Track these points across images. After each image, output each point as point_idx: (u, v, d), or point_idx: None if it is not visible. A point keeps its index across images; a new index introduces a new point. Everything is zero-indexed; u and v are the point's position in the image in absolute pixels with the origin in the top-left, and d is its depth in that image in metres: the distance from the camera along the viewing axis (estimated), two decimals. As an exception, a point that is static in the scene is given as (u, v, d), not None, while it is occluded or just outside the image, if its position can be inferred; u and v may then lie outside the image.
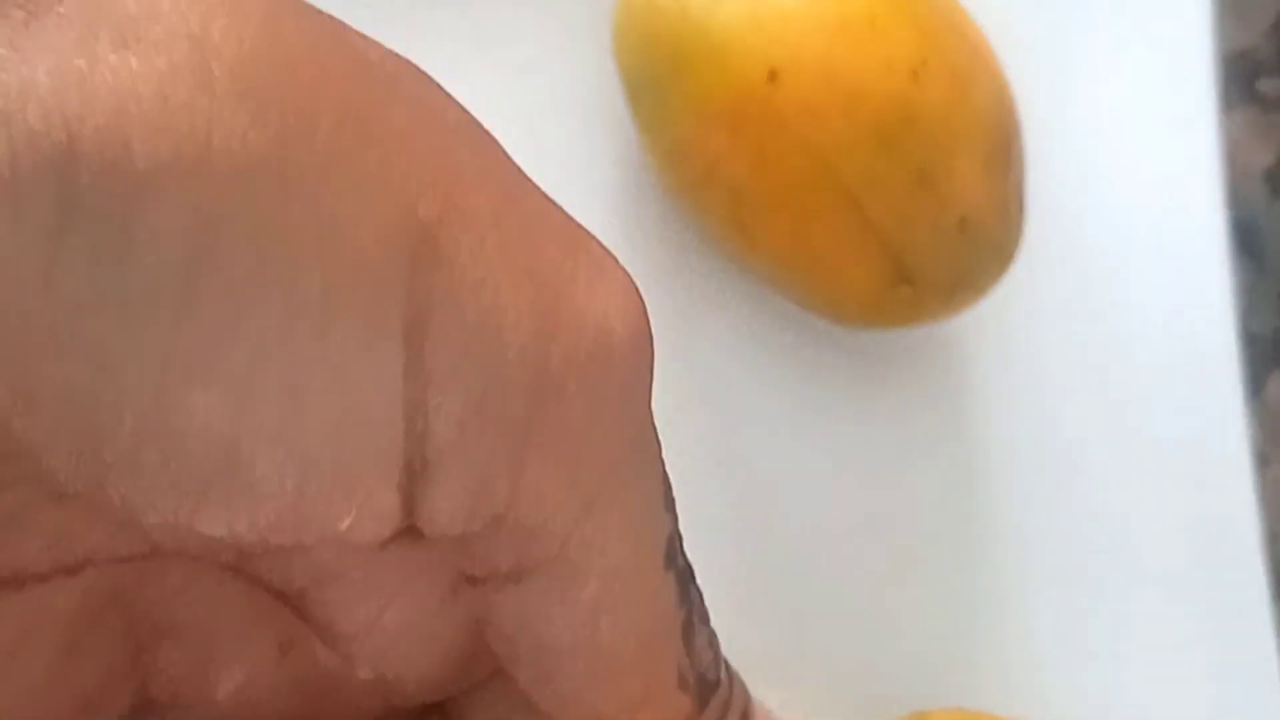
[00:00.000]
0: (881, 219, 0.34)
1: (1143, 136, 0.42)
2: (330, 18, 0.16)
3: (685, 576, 0.19)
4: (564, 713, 0.18)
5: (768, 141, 0.34)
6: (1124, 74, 0.42)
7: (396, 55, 0.16)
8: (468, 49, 0.39)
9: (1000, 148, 0.35)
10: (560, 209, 0.17)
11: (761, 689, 0.39)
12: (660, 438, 0.19)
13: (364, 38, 0.16)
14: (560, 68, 0.39)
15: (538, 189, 0.17)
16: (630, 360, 0.17)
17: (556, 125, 0.39)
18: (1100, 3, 0.43)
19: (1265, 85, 0.44)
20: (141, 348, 0.14)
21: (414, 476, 0.16)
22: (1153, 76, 0.43)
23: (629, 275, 0.17)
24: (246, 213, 0.14)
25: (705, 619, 0.19)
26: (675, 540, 0.18)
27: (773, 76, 0.34)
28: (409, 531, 0.16)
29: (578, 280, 0.16)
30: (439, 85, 0.17)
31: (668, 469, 0.19)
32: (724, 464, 0.39)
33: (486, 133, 0.17)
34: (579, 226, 0.17)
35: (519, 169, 0.17)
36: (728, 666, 0.20)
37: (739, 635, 0.39)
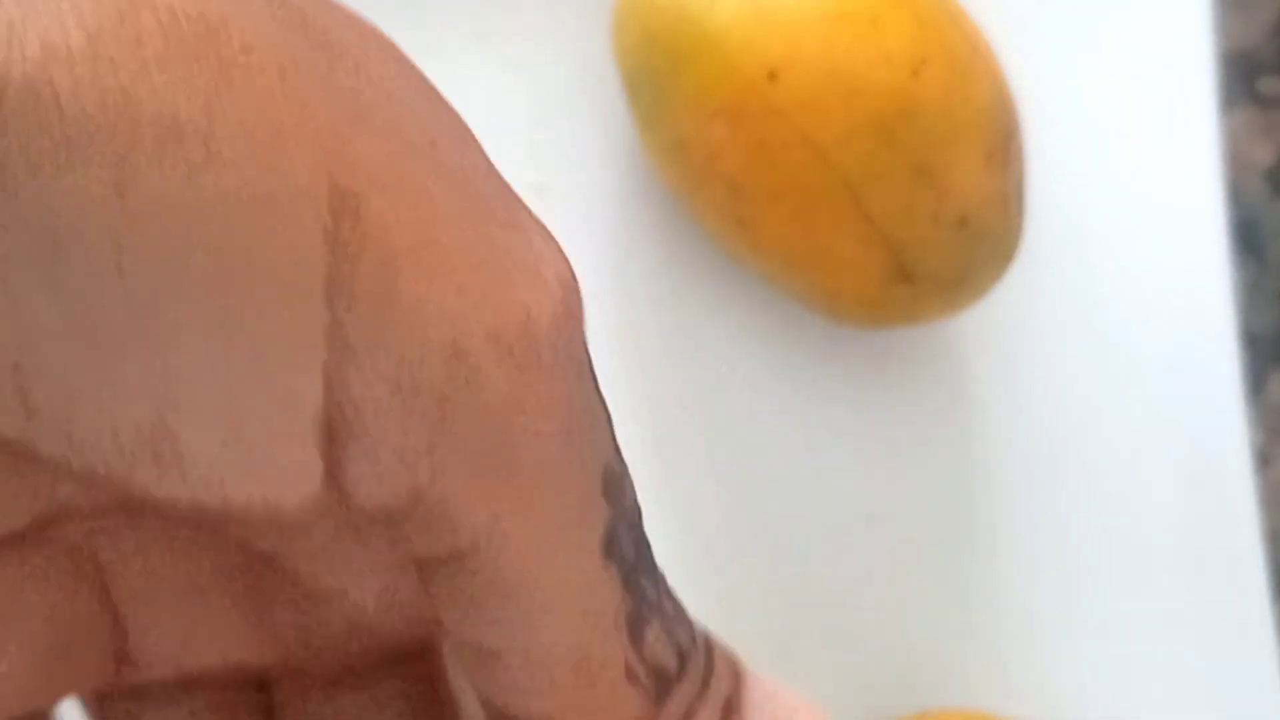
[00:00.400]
0: (881, 214, 0.34)
1: (1143, 136, 0.42)
2: None
3: (632, 567, 0.18)
4: (514, 709, 0.18)
5: (767, 136, 0.34)
6: (1124, 73, 0.42)
7: (353, 20, 0.16)
8: (467, 46, 0.39)
9: (1000, 144, 0.35)
10: (505, 187, 0.17)
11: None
12: (612, 414, 0.18)
13: (320, 3, 0.16)
14: (559, 65, 0.39)
15: (489, 167, 0.17)
16: (557, 347, 0.16)
17: (555, 122, 0.39)
18: (1100, 1, 0.43)
19: (1265, 85, 0.44)
20: (71, 315, 0.14)
21: (334, 440, 0.16)
22: (1153, 76, 0.43)
23: (566, 261, 0.17)
24: (170, 177, 0.14)
25: (658, 609, 0.18)
26: (618, 529, 0.18)
27: (772, 71, 0.33)
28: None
29: (509, 264, 0.16)
30: (398, 52, 0.17)
31: (629, 454, 0.18)
32: (723, 462, 0.39)
33: (445, 107, 0.17)
34: (521, 207, 0.17)
35: (473, 144, 0.17)
36: (709, 653, 0.19)
37: (738, 635, 0.39)
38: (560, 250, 0.17)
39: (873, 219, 0.34)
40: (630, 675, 0.18)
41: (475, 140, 0.17)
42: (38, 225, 0.14)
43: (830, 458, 0.39)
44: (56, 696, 0.19)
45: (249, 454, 0.15)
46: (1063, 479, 0.41)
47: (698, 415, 0.39)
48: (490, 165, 0.17)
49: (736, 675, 0.20)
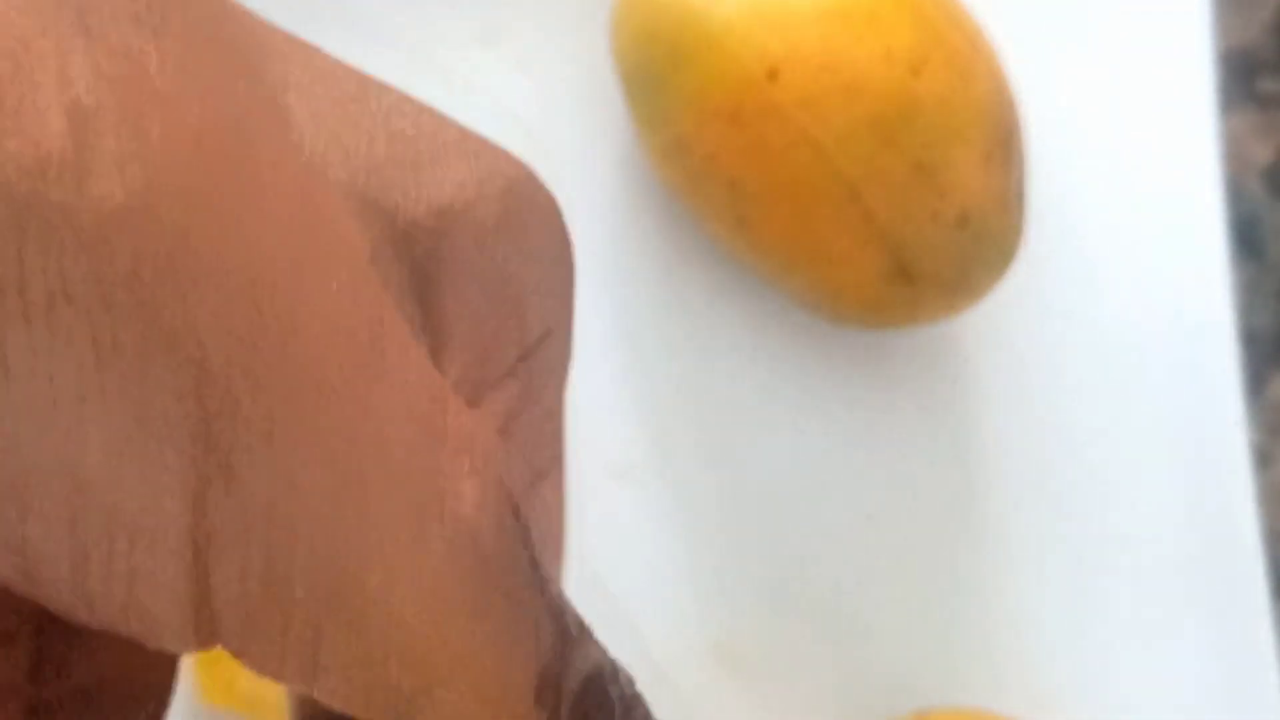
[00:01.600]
0: (881, 212, 0.34)
1: (1143, 136, 0.42)
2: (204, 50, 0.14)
3: None
4: None
5: (767, 135, 0.34)
6: (1124, 73, 0.42)
7: (271, 101, 0.15)
8: (466, 46, 0.39)
9: (1000, 142, 0.35)
10: (428, 373, 0.16)
11: (761, 688, 0.39)
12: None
13: (235, 78, 0.14)
14: (558, 65, 0.39)
15: (408, 343, 0.15)
16: (454, 544, 0.15)
17: (554, 122, 0.39)
18: (1100, 1, 0.43)
19: (1265, 83, 0.44)
20: None
21: (205, 620, 0.15)
22: (1153, 76, 0.43)
23: (493, 493, 0.16)
24: (52, 335, 0.13)
25: None
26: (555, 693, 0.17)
27: (772, 70, 0.33)
28: None
29: (397, 518, 0.15)
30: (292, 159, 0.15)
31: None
32: (722, 461, 0.39)
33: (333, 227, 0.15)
34: (442, 406, 0.16)
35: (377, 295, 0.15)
36: None
37: (738, 635, 0.39)
38: (483, 477, 0.16)
39: (873, 218, 0.34)
40: None
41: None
42: None
43: (830, 458, 0.39)
44: None
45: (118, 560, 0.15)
46: (1062, 478, 0.41)
47: (697, 415, 0.39)
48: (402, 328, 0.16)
49: None
